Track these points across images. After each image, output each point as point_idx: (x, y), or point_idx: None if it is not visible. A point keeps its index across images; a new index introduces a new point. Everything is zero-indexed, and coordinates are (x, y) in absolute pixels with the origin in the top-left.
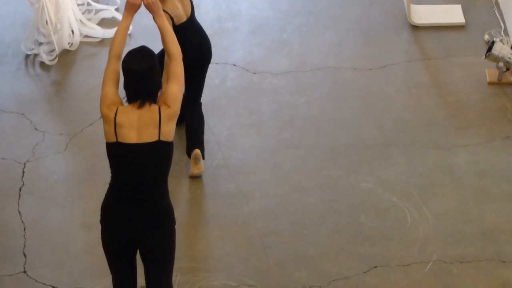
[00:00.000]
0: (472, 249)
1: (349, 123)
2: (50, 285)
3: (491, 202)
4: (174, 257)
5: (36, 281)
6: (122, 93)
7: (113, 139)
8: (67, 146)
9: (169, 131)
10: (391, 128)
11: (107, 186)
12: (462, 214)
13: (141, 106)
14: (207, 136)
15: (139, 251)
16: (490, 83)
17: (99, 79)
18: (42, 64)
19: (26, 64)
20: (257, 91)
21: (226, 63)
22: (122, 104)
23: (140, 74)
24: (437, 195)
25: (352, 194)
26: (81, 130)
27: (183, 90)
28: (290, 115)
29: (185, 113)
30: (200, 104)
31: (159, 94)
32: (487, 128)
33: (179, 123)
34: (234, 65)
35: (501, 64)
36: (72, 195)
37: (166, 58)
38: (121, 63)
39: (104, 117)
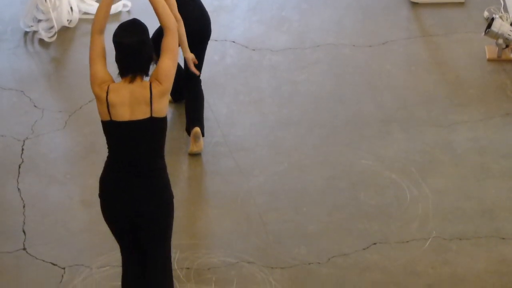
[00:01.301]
0: (472, 226)
1: (349, 100)
2: (50, 262)
3: (490, 179)
4: (171, 233)
5: (36, 258)
6: (113, 68)
7: (107, 118)
8: (66, 123)
9: (161, 107)
10: (390, 105)
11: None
12: (461, 191)
13: (132, 80)
14: (207, 114)
15: (139, 225)
16: (490, 60)
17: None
18: (41, 41)
19: (25, 41)
20: (257, 68)
21: (226, 40)
22: (113, 81)
23: (131, 48)
24: (437, 172)
25: (351, 171)
26: (80, 107)
27: (176, 65)
28: (290, 92)
29: (184, 90)
30: (200, 81)
31: (151, 67)
32: (486, 105)
33: (179, 99)
34: (234, 42)
35: (500, 41)
36: (71, 173)
37: None
38: (112, 36)
39: (96, 96)
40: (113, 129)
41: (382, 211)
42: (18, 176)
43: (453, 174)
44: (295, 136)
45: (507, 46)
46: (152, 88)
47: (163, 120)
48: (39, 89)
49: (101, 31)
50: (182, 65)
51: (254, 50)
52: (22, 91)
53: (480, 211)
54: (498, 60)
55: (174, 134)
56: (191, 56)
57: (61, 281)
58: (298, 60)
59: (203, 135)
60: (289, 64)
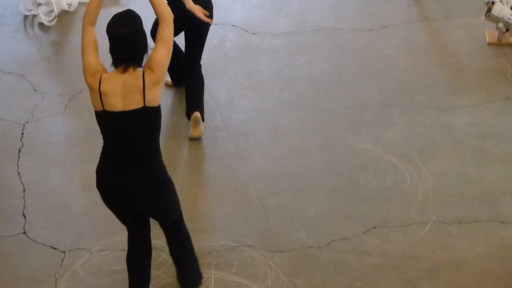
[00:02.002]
0: (471, 210)
1: (349, 84)
2: (50, 246)
3: (490, 163)
4: (179, 209)
5: (36, 242)
6: (105, 58)
7: (100, 108)
8: (66, 107)
9: (154, 97)
10: (390, 89)
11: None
12: (461, 175)
13: (125, 70)
14: (206, 98)
15: (142, 212)
16: (490, 44)
17: (98, 40)
18: (41, 25)
19: (25, 25)
20: (257, 52)
21: (225, 24)
22: (105, 71)
23: (124, 39)
24: (437, 156)
25: (351, 155)
26: (80, 91)
27: (170, 55)
28: (290, 76)
29: (185, 74)
30: (200, 66)
31: (144, 58)
32: (486, 89)
33: (179, 84)
34: (233, 25)
35: (500, 25)
36: (71, 156)
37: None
38: (106, 26)
39: (89, 86)
40: (106, 119)
41: (382, 195)
42: (18, 160)
43: (453, 158)
44: (295, 120)
45: (507, 30)
46: (145, 77)
47: (157, 109)
48: (39, 73)
49: (93, 23)
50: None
51: (254, 34)
52: (22, 75)
53: (480, 195)
54: (498, 44)
55: (174, 119)
56: (196, 6)
57: (61, 265)
58: (298, 44)
59: (203, 120)
60: (289, 48)
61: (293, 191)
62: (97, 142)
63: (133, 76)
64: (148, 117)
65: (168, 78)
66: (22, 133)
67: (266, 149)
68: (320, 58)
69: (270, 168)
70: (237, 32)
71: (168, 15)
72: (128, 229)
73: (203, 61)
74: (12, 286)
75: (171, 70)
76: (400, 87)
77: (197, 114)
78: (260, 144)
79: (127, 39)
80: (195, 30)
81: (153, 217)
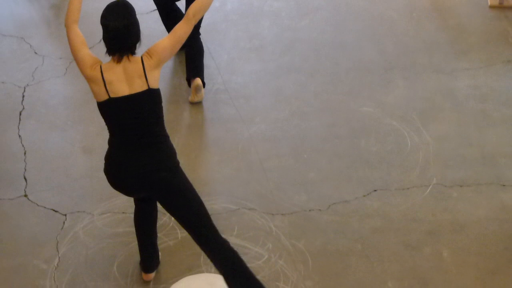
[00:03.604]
0: (472, 172)
1: (350, 47)
2: (51, 209)
3: (491, 126)
4: (195, 194)
5: (37, 205)
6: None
7: (105, 97)
8: (66, 70)
9: (155, 79)
10: (392, 52)
11: None
12: (462, 138)
13: (119, 59)
14: (207, 61)
15: (157, 200)
16: (492, 7)
17: (99, 3)
18: None
19: None
20: (258, 15)
21: None
22: (101, 62)
23: (118, 31)
24: (438, 119)
25: (352, 118)
26: None
27: (174, 51)
28: (291, 39)
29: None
30: (199, 33)
31: (137, 45)
32: (488, 52)
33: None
34: None
35: None
36: (72, 119)
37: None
38: (100, 17)
39: (90, 78)
40: (113, 107)
41: (383, 158)
42: (19, 123)
43: (454, 121)
44: (296, 84)
45: None
46: (143, 61)
47: (158, 91)
48: (39, 36)
49: (76, 22)
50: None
51: None
52: (22, 38)
53: (481, 158)
54: (500, 7)
55: (174, 82)
56: None
57: (62, 228)
58: (299, 7)
59: (203, 86)
60: (290, 11)
61: (294, 154)
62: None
63: (132, 62)
64: (153, 98)
65: None
66: (23, 96)
67: (267, 112)
68: (321, 21)
69: (271, 131)
70: None
71: (192, 16)
72: (135, 204)
73: (204, 23)
74: (13, 249)
75: None
76: (401, 50)
77: (198, 80)
78: (261, 107)
79: (120, 32)
80: None
81: (161, 200)
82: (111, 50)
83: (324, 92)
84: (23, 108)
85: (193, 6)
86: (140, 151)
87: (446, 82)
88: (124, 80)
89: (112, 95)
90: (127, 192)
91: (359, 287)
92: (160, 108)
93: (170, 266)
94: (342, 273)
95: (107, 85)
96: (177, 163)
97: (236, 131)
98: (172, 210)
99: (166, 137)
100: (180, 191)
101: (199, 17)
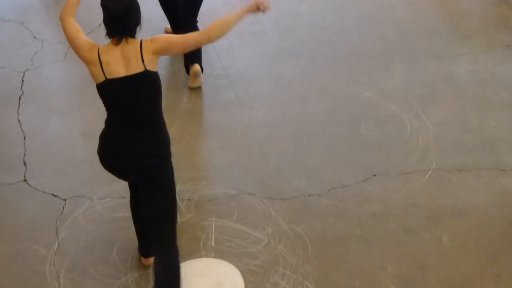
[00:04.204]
0: (472, 157)
1: (350, 32)
2: (51, 194)
3: (491, 111)
4: (174, 192)
5: (37, 190)
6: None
7: (102, 79)
8: (66, 55)
9: (152, 62)
10: (391, 37)
11: None
12: (462, 123)
13: (118, 42)
14: (206, 47)
15: (141, 185)
16: None
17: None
18: None
19: None
20: None
21: None
22: (99, 45)
23: (118, 14)
24: (437, 104)
25: (352, 103)
26: None
27: (175, 51)
28: (291, 23)
29: (181, 26)
30: (197, 21)
31: (138, 29)
32: (487, 37)
33: (179, 31)
34: None
35: None
36: (71, 104)
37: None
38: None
39: (88, 61)
40: (110, 88)
41: (383, 143)
42: (18, 108)
43: (454, 106)
44: (295, 68)
45: None
46: (142, 43)
47: (156, 74)
48: (38, 21)
49: (72, 16)
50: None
51: None
52: (21, 23)
53: (481, 143)
54: None
55: (174, 68)
56: None
57: (62, 213)
58: None
59: (202, 71)
60: None
61: (293, 139)
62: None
63: (130, 44)
64: (150, 81)
65: (168, 26)
66: (22, 81)
67: (267, 97)
68: (321, 5)
69: (271, 116)
70: None
71: (211, 35)
72: (130, 191)
73: (203, 8)
74: (13, 234)
75: (171, 17)
76: (401, 35)
77: (196, 66)
78: (260, 92)
79: (121, 15)
80: None
81: (145, 186)
82: (110, 33)
83: (324, 77)
84: (23, 93)
85: (215, 24)
86: (134, 134)
87: (446, 67)
88: (121, 62)
89: (108, 76)
90: (117, 174)
91: (358, 272)
92: (158, 92)
93: None
94: (341, 257)
95: (103, 66)
96: (170, 153)
97: (235, 116)
98: (148, 198)
99: (162, 124)
100: (164, 183)
101: (215, 37)
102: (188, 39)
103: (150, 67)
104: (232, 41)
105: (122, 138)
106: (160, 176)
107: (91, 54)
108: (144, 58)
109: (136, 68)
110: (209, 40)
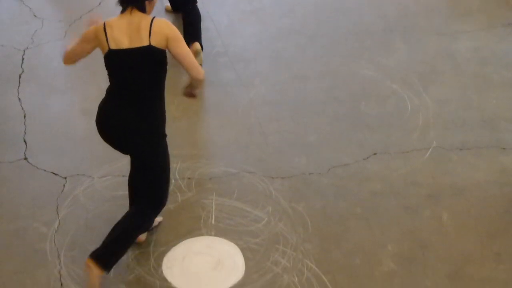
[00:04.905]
0: (472, 136)
1: (350, 10)
2: (51, 172)
3: (491, 89)
4: (163, 172)
5: (37, 168)
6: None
7: (106, 48)
8: (66, 33)
9: (159, 39)
10: (392, 15)
11: (106, 73)
12: (462, 101)
13: (125, 10)
14: (207, 24)
15: (130, 154)
16: None
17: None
18: None
19: None
20: None
21: None
22: (102, 23)
23: None
24: (438, 82)
25: (352, 81)
26: (80, 17)
27: (175, 51)
28: (291, 2)
29: (181, 9)
30: (196, 1)
31: (146, 4)
32: (488, 14)
33: (179, 10)
34: None
35: None
36: (72, 82)
37: None
38: None
39: (96, 34)
40: (112, 59)
41: (383, 121)
42: (19, 86)
43: (454, 84)
44: (296, 47)
45: None
46: (154, 20)
47: (162, 52)
48: None
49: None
50: None
51: None
52: (21, 0)
53: (481, 121)
54: None
55: None
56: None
57: (62, 191)
58: None
59: (202, 49)
60: None
61: (293, 117)
62: (97, 67)
63: (138, 17)
64: (154, 57)
65: (167, 3)
66: (23, 59)
67: (267, 75)
68: None
69: (271, 94)
70: None
71: (195, 75)
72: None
73: None
74: (14, 212)
75: None
76: (402, 13)
77: (196, 45)
78: (260, 70)
79: None
80: None
81: (134, 160)
82: (122, 2)
83: (324, 55)
84: (23, 71)
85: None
86: (128, 108)
87: (447, 45)
88: (125, 34)
89: (111, 47)
90: (110, 144)
91: (358, 250)
92: (160, 71)
93: (170, 229)
94: (341, 236)
95: (108, 36)
96: (162, 133)
97: (236, 94)
98: (134, 171)
99: (159, 102)
100: (150, 159)
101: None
102: (188, 59)
103: (156, 43)
104: (232, 19)
105: (116, 109)
106: (146, 152)
107: (98, 27)
108: (152, 34)
109: (139, 41)
110: (195, 77)
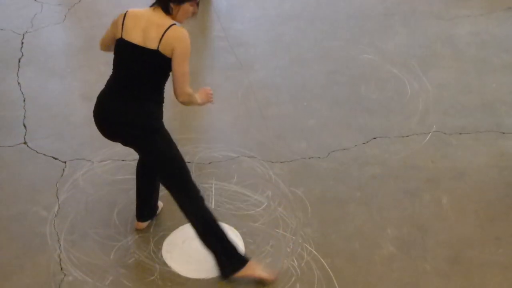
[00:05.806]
0: (472, 120)
1: None
2: (51, 156)
3: (491, 73)
4: (165, 162)
5: (37, 152)
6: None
7: (118, 35)
8: (65, 16)
9: (167, 49)
10: None
11: (106, 58)
12: (462, 85)
13: (151, 6)
14: (206, 8)
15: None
16: None
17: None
18: None
19: None
20: None
21: None
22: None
23: None
24: (438, 66)
25: (352, 65)
26: (79, 1)
27: (175, 65)
28: None
29: None
30: None
31: (172, 6)
32: None
33: None
34: None
35: None
36: (71, 66)
37: None
38: None
39: (115, 21)
40: (121, 48)
41: (383, 105)
42: (18, 70)
43: (454, 68)
44: (295, 31)
45: None
46: (171, 27)
47: (168, 61)
48: None
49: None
50: None
51: None
52: None
53: (481, 105)
54: None
55: None
56: None
57: (62, 175)
58: None
59: None
60: None
61: (293, 101)
62: (97, 52)
63: (159, 18)
64: (158, 61)
65: None
66: (22, 43)
67: (267, 60)
68: None
69: (271, 79)
70: None
71: (176, 94)
72: None
73: None
74: (13, 196)
75: None
76: None
77: None
78: (260, 54)
79: None
80: None
81: (137, 152)
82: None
83: (324, 39)
84: (22, 55)
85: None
86: (123, 102)
87: (447, 29)
88: (140, 28)
89: (123, 36)
90: (106, 136)
91: (358, 234)
92: (162, 76)
93: (170, 214)
94: (341, 220)
95: (124, 25)
96: (154, 126)
97: (235, 78)
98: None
99: (156, 100)
100: (148, 152)
101: (187, 102)
102: (180, 79)
103: (162, 50)
104: (232, 2)
105: (112, 102)
106: (141, 146)
107: (118, 20)
108: (162, 41)
109: (149, 42)
110: (175, 95)
